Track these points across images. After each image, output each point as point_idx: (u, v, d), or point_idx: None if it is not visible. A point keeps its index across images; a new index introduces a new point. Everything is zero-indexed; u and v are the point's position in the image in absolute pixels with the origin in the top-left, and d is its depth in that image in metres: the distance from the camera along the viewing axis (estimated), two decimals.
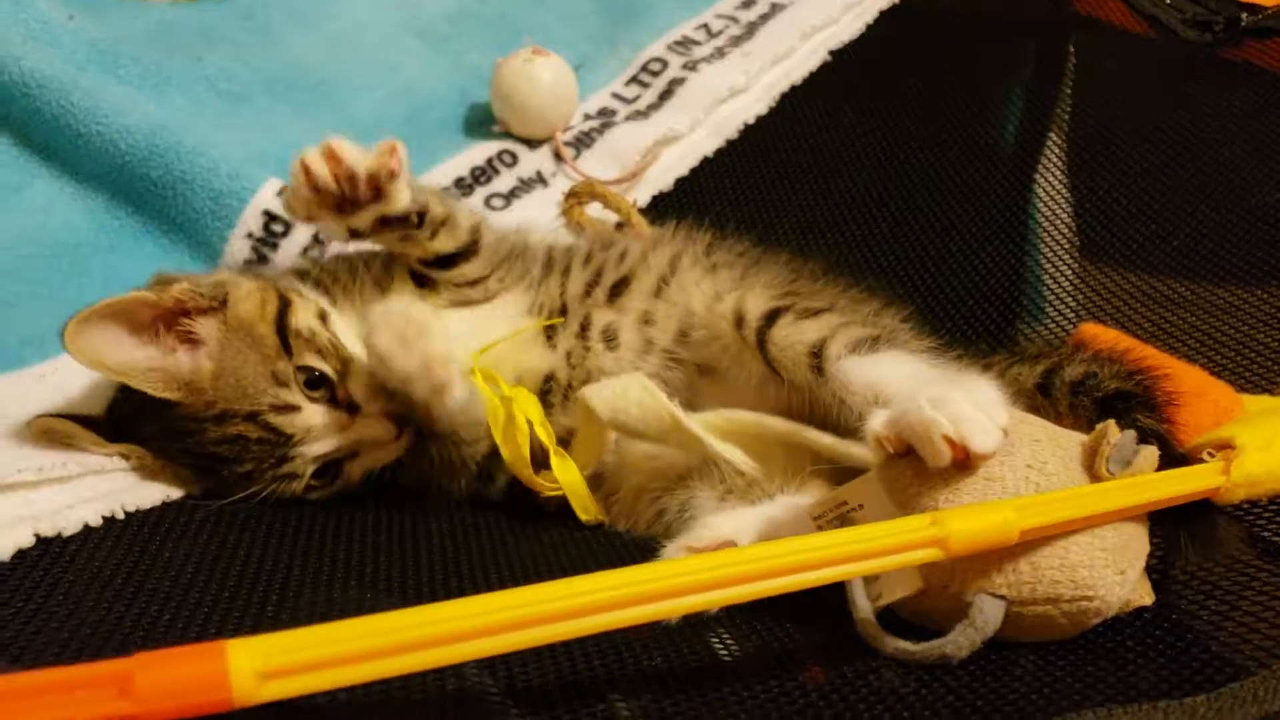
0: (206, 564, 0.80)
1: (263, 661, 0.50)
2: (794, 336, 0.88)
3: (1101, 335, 0.98)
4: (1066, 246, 1.28)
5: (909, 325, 0.97)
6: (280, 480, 0.87)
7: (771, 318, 0.90)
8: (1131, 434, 0.69)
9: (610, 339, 0.97)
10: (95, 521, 0.82)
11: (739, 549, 0.62)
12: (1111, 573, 0.67)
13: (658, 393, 0.85)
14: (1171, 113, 1.33)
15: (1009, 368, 0.92)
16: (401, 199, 0.89)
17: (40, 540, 0.77)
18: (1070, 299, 1.20)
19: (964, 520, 0.63)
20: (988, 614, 0.65)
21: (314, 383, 0.88)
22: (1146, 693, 0.60)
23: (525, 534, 0.92)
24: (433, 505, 0.95)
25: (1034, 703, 0.61)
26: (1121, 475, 0.67)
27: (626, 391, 0.86)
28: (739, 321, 0.92)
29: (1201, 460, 0.72)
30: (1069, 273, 1.24)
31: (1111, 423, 0.69)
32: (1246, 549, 0.72)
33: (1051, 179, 1.36)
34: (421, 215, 0.92)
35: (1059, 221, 1.31)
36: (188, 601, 0.74)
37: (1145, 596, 0.69)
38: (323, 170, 0.87)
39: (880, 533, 0.64)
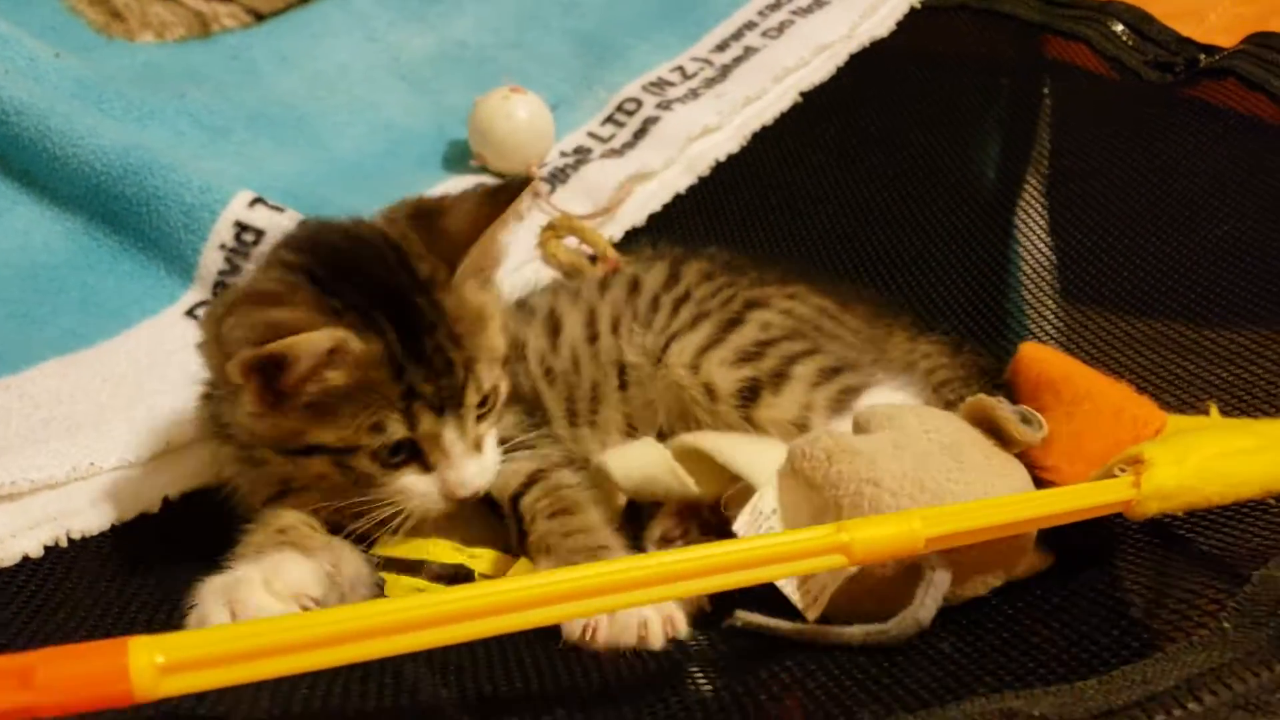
0: (144, 594, 0.82)
1: (163, 657, 0.52)
2: (776, 416, 0.90)
3: (1038, 354, 0.99)
4: (1048, 288, 1.29)
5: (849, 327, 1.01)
6: None
7: (747, 397, 0.92)
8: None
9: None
10: (36, 552, 0.85)
11: (648, 555, 0.64)
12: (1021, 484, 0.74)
13: (685, 477, 0.87)
14: (1145, 154, 1.35)
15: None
16: None
17: None
18: (1053, 340, 1.21)
19: (868, 529, 0.65)
20: (939, 571, 0.68)
21: None
22: (1044, 677, 0.62)
23: None
24: None
25: (931, 689, 0.62)
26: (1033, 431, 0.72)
27: (655, 478, 0.88)
28: (711, 395, 0.93)
29: (1114, 476, 0.73)
30: (1051, 315, 1.26)
31: (980, 396, 0.73)
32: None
33: (1031, 221, 1.38)
34: None
35: (1040, 263, 1.33)
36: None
37: (1046, 560, 0.73)
38: None
39: (787, 539, 0.66)
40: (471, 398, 0.82)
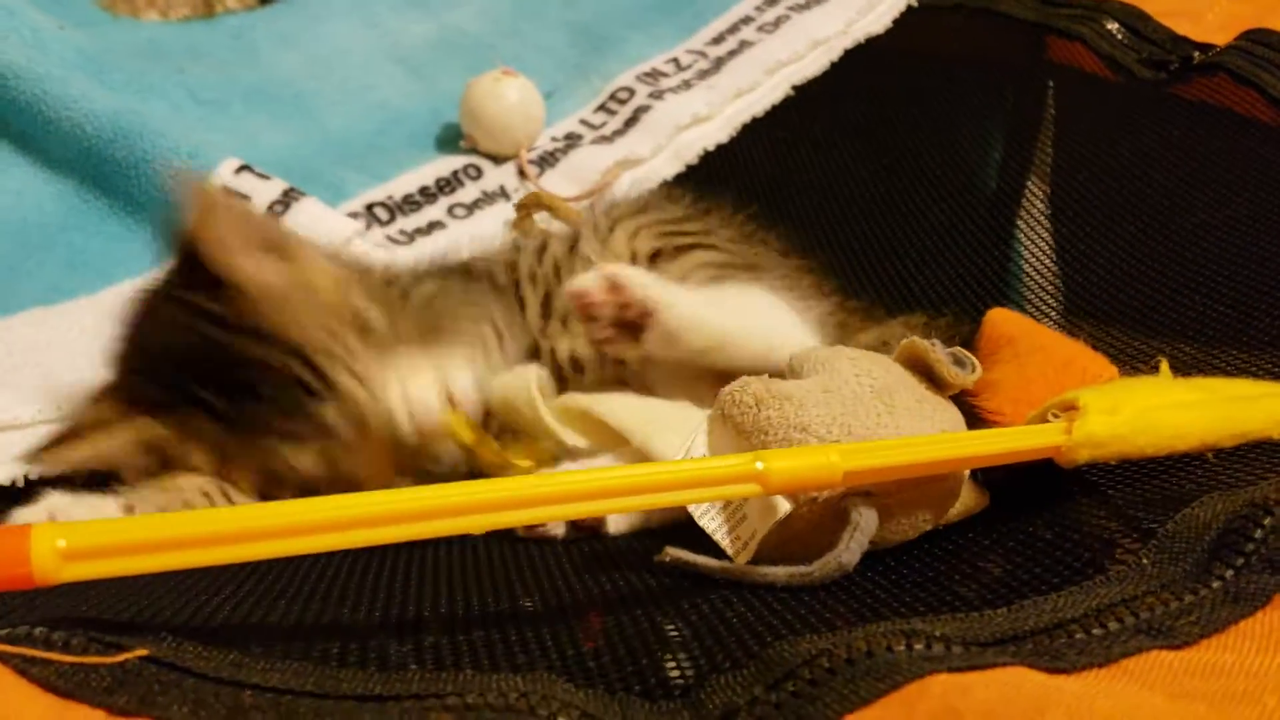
0: None
1: (65, 542, 0.54)
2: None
3: (1003, 316, 0.99)
4: (1051, 293, 1.29)
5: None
6: None
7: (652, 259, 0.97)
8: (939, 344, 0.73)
9: (577, 367, 0.98)
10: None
11: (566, 473, 0.64)
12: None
13: (545, 414, 0.89)
14: (1132, 150, 1.35)
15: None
16: None
17: None
18: None
19: (786, 460, 0.64)
20: (864, 515, 0.68)
21: None
22: (957, 609, 0.61)
23: None
24: None
25: (844, 617, 0.62)
26: (966, 373, 0.73)
27: (516, 407, 0.90)
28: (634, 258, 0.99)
29: (1047, 421, 0.73)
30: (1053, 317, 1.25)
31: (914, 339, 0.73)
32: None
33: (1032, 220, 1.38)
34: None
35: (1043, 269, 1.32)
36: None
37: (982, 501, 0.73)
38: None
39: (704, 464, 0.66)
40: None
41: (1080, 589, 0.61)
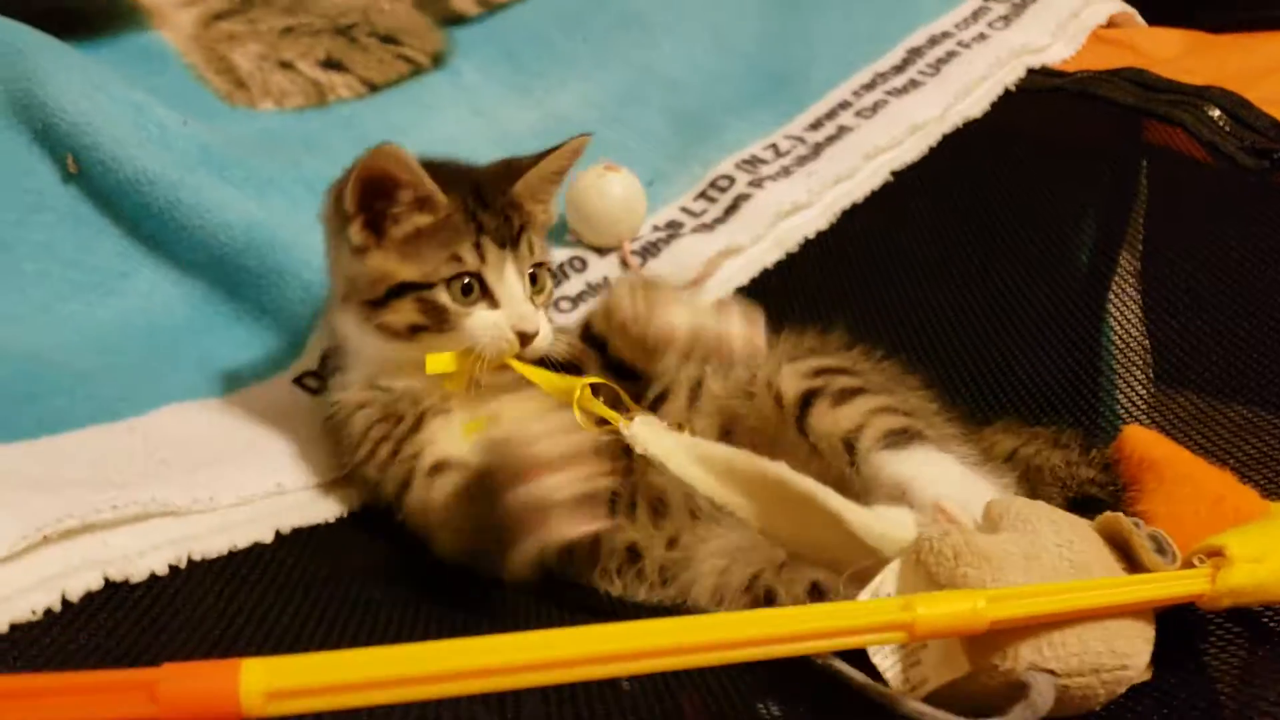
0: (256, 617, 0.87)
1: (269, 683, 0.57)
2: (828, 425, 0.94)
3: (1142, 437, 1.00)
4: (1140, 371, 1.29)
5: (937, 408, 1.03)
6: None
7: (807, 401, 0.96)
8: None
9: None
10: (162, 570, 0.90)
11: (708, 616, 0.65)
12: (1141, 641, 0.72)
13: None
14: (1240, 239, 1.35)
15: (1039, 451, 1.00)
16: None
17: (109, 584, 0.86)
18: (1146, 423, 1.21)
19: (933, 606, 0.65)
20: (1042, 691, 0.68)
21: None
22: None
23: None
24: None
25: None
26: (1167, 562, 0.73)
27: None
28: (778, 401, 0.98)
29: (1192, 565, 0.74)
30: (1142, 398, 1.25)
31: (1118, 515, 0.73)
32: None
33: (1125, 305, 1.38)
34: None
35: (1133, 346, 1.32)
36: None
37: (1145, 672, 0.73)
38: None
39: (849, 611, 0.67)
40: (524, 248, 1.03)
41: None
